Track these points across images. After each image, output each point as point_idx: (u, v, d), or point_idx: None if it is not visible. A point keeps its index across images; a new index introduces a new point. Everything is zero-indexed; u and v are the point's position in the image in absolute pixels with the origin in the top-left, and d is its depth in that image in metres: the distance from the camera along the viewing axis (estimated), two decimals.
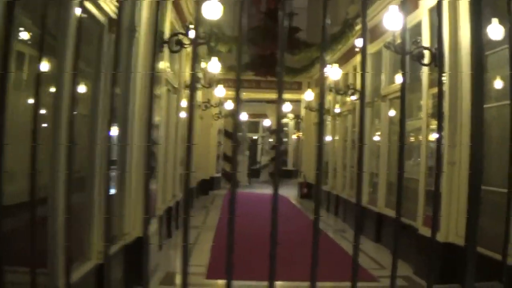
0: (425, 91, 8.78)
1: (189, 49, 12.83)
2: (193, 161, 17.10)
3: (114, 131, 6.50)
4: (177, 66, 11.67)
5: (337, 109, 16.27)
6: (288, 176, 32.76)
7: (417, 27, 9.17)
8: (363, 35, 3.20)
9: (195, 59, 3.43)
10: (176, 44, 7.99)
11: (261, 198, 21.91)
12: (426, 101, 8.78)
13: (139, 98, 7.22)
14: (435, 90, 8.69)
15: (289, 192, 23.51)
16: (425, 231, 8.13)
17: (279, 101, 3.04)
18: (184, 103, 12.70)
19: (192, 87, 3.22)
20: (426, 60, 8.13)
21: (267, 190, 25.45)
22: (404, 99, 3.35)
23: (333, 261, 8.89)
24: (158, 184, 9.92)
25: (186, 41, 7.91)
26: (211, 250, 10.19)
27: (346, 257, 9.88)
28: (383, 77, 11.62)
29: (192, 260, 9.40)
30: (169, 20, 9.22)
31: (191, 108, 3.20)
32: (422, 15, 8.88)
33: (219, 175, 24.49)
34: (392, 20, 8.15)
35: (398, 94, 10.54)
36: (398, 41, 8.34)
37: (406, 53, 7.69)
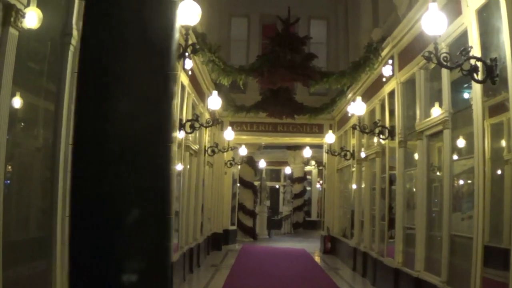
0: (478, 118, 6.55)
1: (184, 79, 11.15)
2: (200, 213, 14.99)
3: None
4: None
5: (363, 153, 14.11)
6: (311, 228, 30.85)
7: (462, 36, 7.09)
8: None
9: None
10: None
11: (280, 253, 19.72)
12: (478, 131, 6.57)
13: None
14: (493, 119, 6.54)
15: (312, 246, 21.38)
16: None
17: None
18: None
19: None
20: (480, 75, 6.03)
21: (288, 244, 23.31)
22: None
23: None
24: None
25: None
26: None
27: None
28: (417, 109, 9.46)
29: None
30: None
31: None
32: (469, 19, 6.77)
33: (234, 227, 22.19)
34: (432, 23, 6.03)
35: (439, 128, 8.47)
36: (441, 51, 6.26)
37: (451, 67, 5.59)
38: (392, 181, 11.40)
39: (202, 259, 15.46)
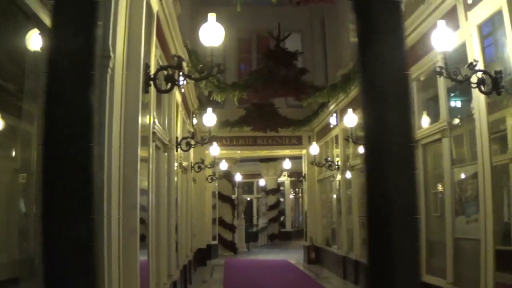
0: (482, 122, 6.91)
1: (178, 97, 11.24)
2: (190, 229, 15.08)
3: None
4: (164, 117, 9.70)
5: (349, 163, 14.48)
6: (287, 239, 31.03)
7: (459, 49, 7.45)
8: None
9: None
10: (166, 82, 6.10)
11: (264, 265, 19.90)
12: (481, 135, 6.94)
13: (116, 157, 5.18)
14: (495, 117, 6.95)
15: (293, 257, 21.53)
16: None
17: None
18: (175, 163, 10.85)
19: None
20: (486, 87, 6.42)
21: (269, 256, 23.47)
22: None
23: None
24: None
25: (178, 77, 6.02)
26: None
27: None
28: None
29: None
30: (153, 50, 6.90)
31: None
32: (469, 33, 7.14)
33: (215, 242, 22.25)
34: (440, 39, 6.39)
35: (436, 137, 8.84)
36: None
37: (461, 80, 5.94)
38: None
39: (192, 275, 15.53)
